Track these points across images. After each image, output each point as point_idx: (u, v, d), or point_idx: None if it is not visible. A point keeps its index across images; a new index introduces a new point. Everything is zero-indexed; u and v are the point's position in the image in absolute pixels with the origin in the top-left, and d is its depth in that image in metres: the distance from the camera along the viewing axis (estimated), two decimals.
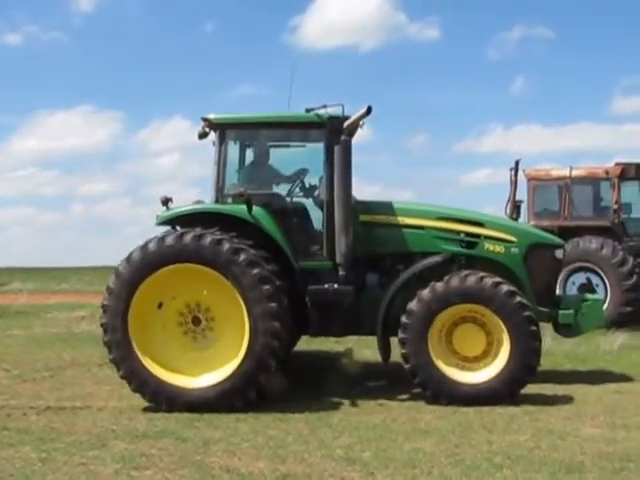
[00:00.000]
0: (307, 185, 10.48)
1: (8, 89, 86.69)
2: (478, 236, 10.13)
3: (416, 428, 8.16)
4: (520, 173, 19.66)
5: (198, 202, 10.25)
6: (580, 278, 17.95)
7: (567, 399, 9.58)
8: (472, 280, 9.25)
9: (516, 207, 20.63)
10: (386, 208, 10.27)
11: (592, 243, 17.64)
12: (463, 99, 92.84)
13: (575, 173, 19.00)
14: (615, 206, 18.20)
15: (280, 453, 7.19)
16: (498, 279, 9.31)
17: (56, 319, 21.05)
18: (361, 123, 9.99)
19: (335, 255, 9.67)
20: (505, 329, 9.17)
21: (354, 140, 9.80)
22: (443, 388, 9.23)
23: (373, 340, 10.07)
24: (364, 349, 13.03)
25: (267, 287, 8.95)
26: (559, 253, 10.44)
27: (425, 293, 9.28)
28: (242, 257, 8.98)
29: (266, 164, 10.69)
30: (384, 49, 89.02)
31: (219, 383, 9.03)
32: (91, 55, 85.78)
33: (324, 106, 9.87)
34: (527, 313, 9.17)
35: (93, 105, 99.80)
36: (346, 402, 9.52)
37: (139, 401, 9.31)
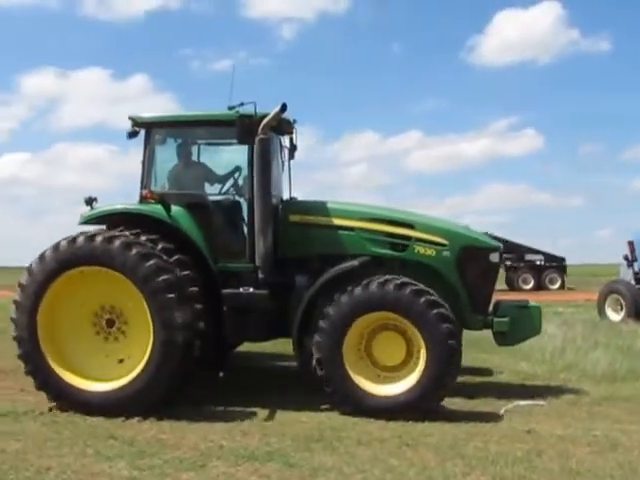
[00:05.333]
0: (234, 185, 10.13)
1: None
2: (409, 238, 9.60)
3: (565, 467, 6.84)
4: None
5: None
6: None
7: None
8: (390, 287, 8.67)
9: None
10: (317, 208, 9.88)
11: None
12: (632, 109, 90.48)
13: None
14: None
15: None
16: (417, 286, 8.70)
17: None
18: (292, 120, 10.20)
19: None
20: (421, 337, 8.58)
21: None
22: (353, 398, 8.71)
23: None
24: None
25: (172, 295, 8.57)
26: (494, 257, 9.78)
27: (343, 297, 8.78)
28: (150, 262, 8.63)
29: (192, 163, 10.38)
30: (558, 63, 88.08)
31: (121, 388, 8.71)
32: (290, 77, 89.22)
33: (241, 104, 9.48)
34: (445, 325, 8.52)
35: None
36: (489, 425, 8.39)
37: (261, 414, 8.69)
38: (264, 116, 9.18)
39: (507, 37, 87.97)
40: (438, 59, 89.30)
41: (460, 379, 10.84)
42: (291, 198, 10.51)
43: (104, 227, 9.49)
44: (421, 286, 8.70)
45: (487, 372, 11.80)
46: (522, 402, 9.48)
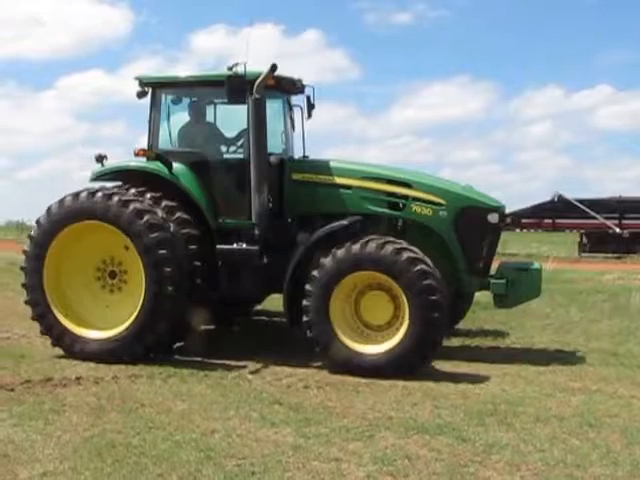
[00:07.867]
0: (238, 144, 10.20)
1: (395, 64, 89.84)
2: (406, 197, 9.60)
3: None
4: None
5: None
6: None
7: None
8: (372, 246, 8.75)
9: None
10: (318, 167, 9.99)
11: None
12: None
13: None
14: None
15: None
16: (399, 244, 8.76)
17: None
18: (298, 78, 10.30)
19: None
20: (404, 297, 8.64)
21: None
22: (342, 358, 8.84)
23: None
24: None
25: (163, 252, 9.05)
26: (493, 217, 9.52)
27: (326, 261, 8.89)
28: (144, 219, 9.11)
29: (196, 122, 10.41)
30: None
31: (119, 333, 9.27)
32: (471, 30, 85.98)
33: (236, 64, 9.43)
34: (432, 297, 8.52)
35: (469, 76, 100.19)
36: None
37: (428, 385, 8.30)
38: (257, 76, 9.21)
39: None
40: (637, 2, 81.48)
41: None
42: (304, 157, 10.67)
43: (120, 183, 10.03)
44: (401, 243, 8.77)
45: None
46: None
